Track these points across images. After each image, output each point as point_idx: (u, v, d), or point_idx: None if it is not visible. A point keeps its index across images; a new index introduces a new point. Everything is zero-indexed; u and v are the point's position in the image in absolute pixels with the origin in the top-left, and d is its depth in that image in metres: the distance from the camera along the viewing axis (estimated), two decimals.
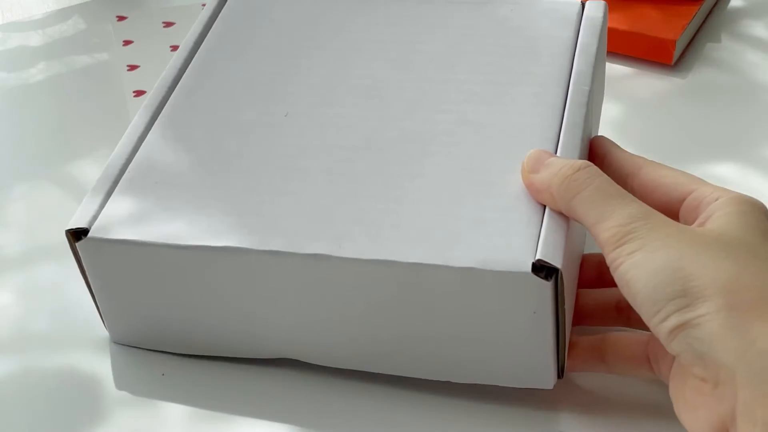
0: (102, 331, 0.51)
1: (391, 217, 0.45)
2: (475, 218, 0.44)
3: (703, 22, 0.77)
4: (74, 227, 0.46)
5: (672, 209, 0.44)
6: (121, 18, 0.81)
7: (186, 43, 0.56)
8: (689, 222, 0.43)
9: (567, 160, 0.44)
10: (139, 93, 0.72)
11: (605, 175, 0.43)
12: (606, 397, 0.48)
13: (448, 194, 0.45)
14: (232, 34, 0.56)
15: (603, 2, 0.55)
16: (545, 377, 0.46)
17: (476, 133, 0.48)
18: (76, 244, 0.46)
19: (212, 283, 0.46)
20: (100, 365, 0.50)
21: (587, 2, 0.56)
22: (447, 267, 0.42)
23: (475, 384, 0.47)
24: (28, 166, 0.67)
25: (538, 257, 0.42)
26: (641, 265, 0.39)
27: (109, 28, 0.80)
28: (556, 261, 0.41)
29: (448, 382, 0.47)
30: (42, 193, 0.63)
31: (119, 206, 0.46)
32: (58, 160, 0.67)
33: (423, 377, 0.48)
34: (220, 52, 0.55)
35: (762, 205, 0.42)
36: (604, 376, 0.48)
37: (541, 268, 0.42)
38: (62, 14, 0.84)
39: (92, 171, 0.66)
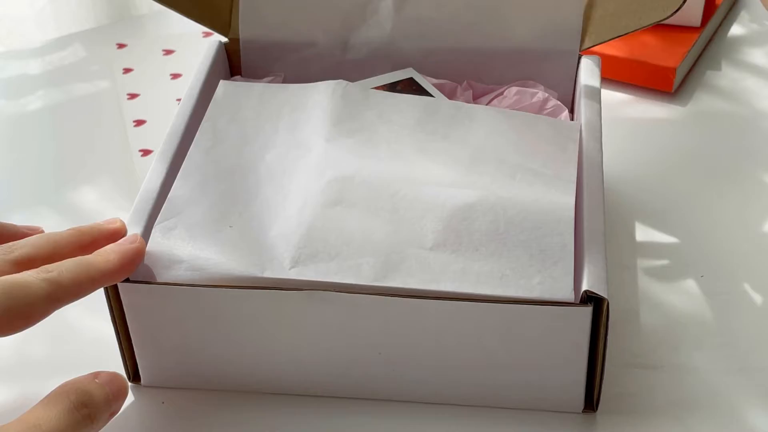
0: (100, 358, 0.51)
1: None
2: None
3: (703, 49, 0.77)
4: None
5: None
6: (121, 46, 0.81)
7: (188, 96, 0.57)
8: None
9: None
10: (139, 122, 0.72)
11: None
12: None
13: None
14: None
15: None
16: (575, 401, 0.48)
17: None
18: (119, 287, 0.47)
19: (253, 319, 0.47)
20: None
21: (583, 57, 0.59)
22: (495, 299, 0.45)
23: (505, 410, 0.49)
24: (27, 193, 0.67)
25: (585, 288, 0.44)
26: None
27: (109, 56, 0.80)
28: (602, 291, 0.44)
29: (476, 408, 0.49)
30: (41, 220, 0.63)
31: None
32: (58, 188, 0.67)
33: (455, 404, 0.49)
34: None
35: None
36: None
37: (588, 299, 0.44)
38: (62, 42, 0.83)
39: (92, 199, 0.66)
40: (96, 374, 0.45)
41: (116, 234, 0.48)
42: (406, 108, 0.55)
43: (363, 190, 0.49)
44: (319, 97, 0.56)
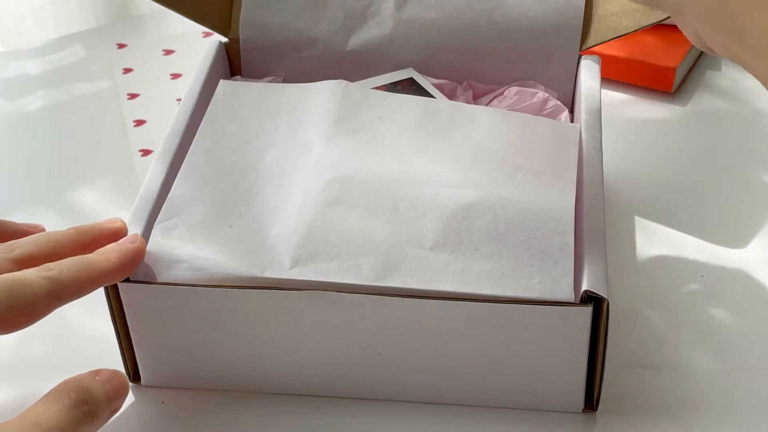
0: (100, 358, 0.51)
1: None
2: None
3: None
4: None
5: None
6: (121, 46, 0.81)
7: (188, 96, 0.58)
8: None
9: None
10: (139, 122, 0.72)
11: None
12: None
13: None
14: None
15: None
16: (575, 401, 0.48)
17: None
18: (119, 287, 0.47)
19: (253, 319, 0.47)
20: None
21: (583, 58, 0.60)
22: (497, 298, 0.45)
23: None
24: (27, 193, 0.67)
25: (585, 288, 0.44)
26: None
27: (109, 56, 0.80)
28: (602, 291, 0.44)
29: (476, 408, 0.49)
30: (41, 220, 0.63)
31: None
32: (58, 188, 0.67)
33: (455, 403, 0.49)
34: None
35: None
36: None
37: (588, 299, 0.44)
38: (62, 42, 0.84)
39: (92, 199, 0.66)
40: (96, 372, 0.45)
41: (117, 233, 0.48)
42: (406, 108, 0.55)
43: (363, 190, 0.49)
44: (319, 97, 0.56)
